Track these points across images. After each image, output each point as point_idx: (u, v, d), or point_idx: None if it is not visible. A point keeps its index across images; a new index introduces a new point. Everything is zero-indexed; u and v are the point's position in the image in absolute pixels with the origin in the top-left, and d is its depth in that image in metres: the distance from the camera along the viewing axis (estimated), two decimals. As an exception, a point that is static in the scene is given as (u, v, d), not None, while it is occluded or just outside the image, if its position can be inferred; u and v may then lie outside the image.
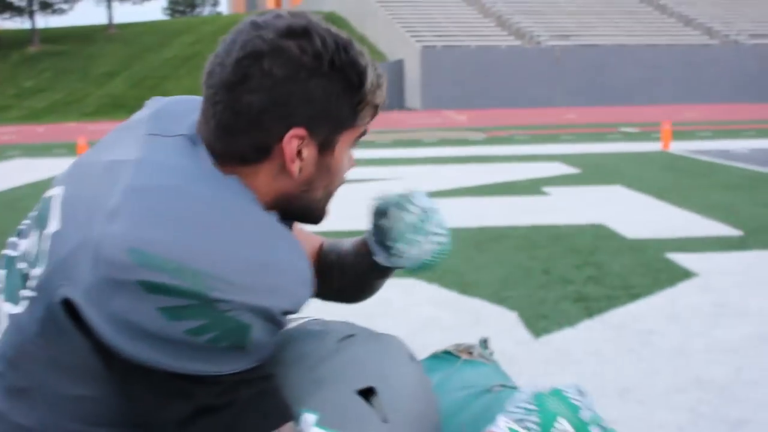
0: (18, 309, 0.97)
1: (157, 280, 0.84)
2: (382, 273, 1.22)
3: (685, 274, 4.25)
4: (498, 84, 31.38)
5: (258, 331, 0.89)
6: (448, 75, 31.10)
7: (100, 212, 0.88)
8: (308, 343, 1.03)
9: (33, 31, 44.58)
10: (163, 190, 0.89)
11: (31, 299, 0.94)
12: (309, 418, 0.93)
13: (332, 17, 39.04)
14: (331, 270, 1.26)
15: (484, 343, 1.31)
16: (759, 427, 2.41)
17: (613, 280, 4.16)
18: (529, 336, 3.30)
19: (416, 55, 31.58)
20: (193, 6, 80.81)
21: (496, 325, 3.45)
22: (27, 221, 1.07)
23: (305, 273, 0.94)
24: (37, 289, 0.94)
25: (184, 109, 1.06)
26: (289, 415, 0.93)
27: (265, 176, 0.98)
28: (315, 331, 1.05)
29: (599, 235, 5.42)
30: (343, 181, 1.06)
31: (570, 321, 3.48)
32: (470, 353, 1.25)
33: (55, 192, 1.01)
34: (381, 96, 1.02)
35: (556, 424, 0.93)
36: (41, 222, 0.99)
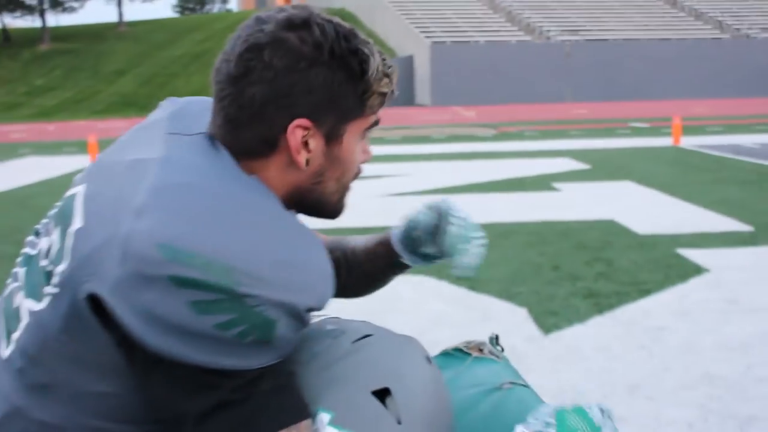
0: (40, 306, 0.98)
1: (187, 274, 0.85)
2: (398, 272, 1.25)
3: (695, 270, 4.25)
4: (508, 80, 31.29)
5: (283, 327, 0.91)
6: (458, 71, 31.03)
7: (126, 209, 0.89)
8: (324, 341, 1.03)
9: (44, 30, 44.78)
10: (189, 187, 0.91)
11: (54, 295, 0.95)
12: (323, 417, 0.94)
13: (342, 13, 38.98)
14: (336, 268, 1.27)
15: (494, 339, 1.32)
16: (769, 423, 2.42)
17: (623, 276, 4.16)
18: (538, 332, 3.31)
19: (426, 51, 31.55)
20: (202, 3, 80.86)
21: (505, 321, 3.46)
22: (45, 220, 1.07)
23: (328, 271, 0.95)
24: (61, 285, 0.94)
25: (200, 109, 1.07)
26: (306, 412, 0.94)
27: (275, 170, 0.99)
28: (331, 330, 1.06)
29: (609, 231, 5.41)
30: (357, 173, 1.06)
31: (580, 317, 3.48)
32: (480, 350, 1.26)
33: (77, 190, 1.02)
34: (388, 85, 1.01)
35: None
36: (64, 219, 1.00)
